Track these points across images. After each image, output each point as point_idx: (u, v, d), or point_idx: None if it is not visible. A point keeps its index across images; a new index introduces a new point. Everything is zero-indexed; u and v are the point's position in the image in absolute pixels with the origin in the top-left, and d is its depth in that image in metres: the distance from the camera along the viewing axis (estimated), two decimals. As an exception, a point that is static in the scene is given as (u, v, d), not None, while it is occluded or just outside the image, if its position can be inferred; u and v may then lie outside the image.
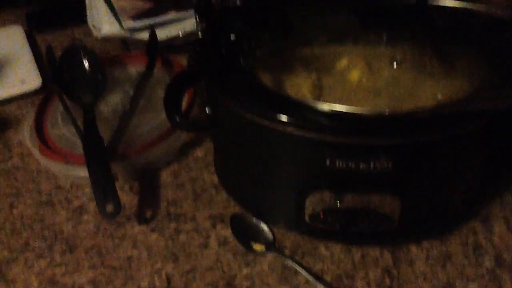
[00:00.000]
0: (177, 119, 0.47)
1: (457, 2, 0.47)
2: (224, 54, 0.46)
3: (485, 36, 0.46)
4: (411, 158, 0.40)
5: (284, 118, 0.39)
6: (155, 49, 0.66)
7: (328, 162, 0.40)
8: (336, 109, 0.38)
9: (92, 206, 0.52)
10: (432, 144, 0.40)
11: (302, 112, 0.39)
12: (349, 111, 0.38)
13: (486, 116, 0.39)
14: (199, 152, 0.59)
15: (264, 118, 0.40)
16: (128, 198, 0.54)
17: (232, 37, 0.46)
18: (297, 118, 0.38)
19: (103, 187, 0.49)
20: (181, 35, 0.71)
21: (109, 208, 0.48)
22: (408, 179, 0.42)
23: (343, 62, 0.47)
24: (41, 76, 0.69)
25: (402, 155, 0.40)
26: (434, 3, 0.47)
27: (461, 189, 0.48)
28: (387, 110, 0.37)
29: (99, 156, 0.51)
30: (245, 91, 0.42)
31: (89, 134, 0.53)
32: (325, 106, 0.38)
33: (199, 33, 0.47)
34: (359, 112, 0.38)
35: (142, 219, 0.51)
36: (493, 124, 0.40)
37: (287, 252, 0.48)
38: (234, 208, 0.52)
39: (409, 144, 0.39)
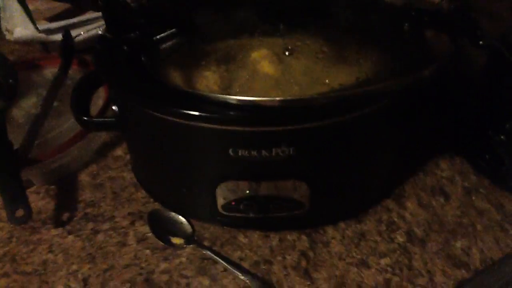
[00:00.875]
0: (85, 119, 0.47)
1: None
2: (126, 51, 0.45)
3: (381, 24, 0.48)
4: (310, 143, 0.41)
5: (183, 111, 0.39)
6: (69, 51, 0.65)
7: (231, 152, 0.41)
8: (232, 100, 0.39)
9: (4, 213, 0.50)
10: (328, 129, 0.41)
11: (201, 104, 0.39)
12: (245, 101, 0.38)
13: (378, 99, 0.40)
14: (119, 151, 0.59)
15: (165, 113, 0.40)
16: (43, 202, 0.52)
17: (134, 33, 0.46)
18: (196, 111, 0.39)
19: (12, 192, 0.47)
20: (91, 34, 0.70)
21: (19, 213, 0.46)
22: (311, 164, 0.43)
23: (246, 55, 0.48)
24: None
25: (301, 140, 0.41)
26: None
27: (370, 170, 0.49)
28: (280, 98, 0.38)
29: (8, 162, 0.50)
30: (146, 88, 0.42)
31: (-3, 139, 0.52)
32: (224, 97, 0.39)
33: (100, 30, 0.47)
34: (255, 102, 0.38)
35: (58, 222, 0.50)
36: (384, 107, 0.41)
37: (206, 243, 0.48)
38: (154, 205, 0.52)
39: (306, 129, 0.40)
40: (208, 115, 0.39)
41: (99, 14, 0.75)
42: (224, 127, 0.40)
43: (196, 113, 0.39)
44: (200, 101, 0.40)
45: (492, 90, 0.53)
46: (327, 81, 0.45)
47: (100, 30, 0.72)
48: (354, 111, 0.40)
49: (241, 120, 0.39)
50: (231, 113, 0.39)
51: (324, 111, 0.39)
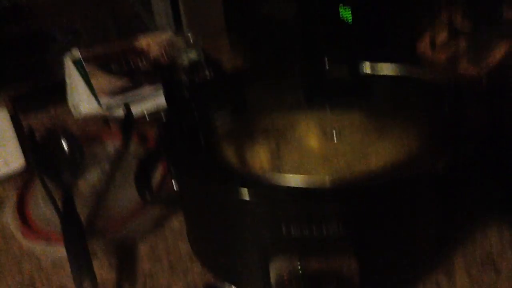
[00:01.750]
0: (147, 195, 0.51)
1: (393, 68, 0.52)
2: (186, 133, 0.50)
3: (422, 101, 0.51)
4: (360, 222, 0.43)
5: (240, 193, 0.42)
6: (130, 125, 0.70)
7: (283, 228, 0.43)
8: (283, 179, 0.41)
9: (72, 284, 0.54)
10: (379, 207, 0.43)
11: (254, 183, 0.42)
12: (296, 180, 0.41)
13: (426, 178, 0.42)
14: (175, 222, 0.62)
15: (221, 190, 0.43)
16: (106, 273, 0.56)
17: (193, 116, 0.51)
18: (250, 190, 0.42)
19: (80, 264, 0.51)
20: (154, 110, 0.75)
21: (86, 285, 0.50)
22: (361, 241, 0.45)
23: (295, 131, 0.51)
24: (24, 157, 0.73)
25: (351, 219, 0.43)
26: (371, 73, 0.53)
27: (417, 245, 0.50)
28: (331, 179, 0.41)
29: (77, 235, 0.54)
30: (204, 167, 0.46)
31: (67, 213, 0.56)
32: (276, 177, 0.42)
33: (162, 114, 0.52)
34: (308, 181, 0.41)
35: (120, 293, 0.54)
36: (436, 182, 0.43)
37: (259, 316, 0.50)
38: (208, 277, 0.54)
39: (356, 209, 0.42)
40: (261, 194, 0.42)
41: (155, 88, 0.81)
42: (276, 205, 0.43)
43: (249, 192, 0.42)
44: (253, 180, 0.43)
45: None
46: (373, 158, 0.47)
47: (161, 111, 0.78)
48: (402, 192, 0.42)
49: (292, 198, 0.42)
50: (283, 191, 0.42)
51: (373, 192, 0.41)
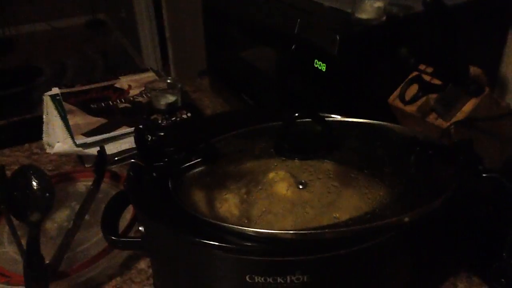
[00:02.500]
0: (113, 238, 0.50)
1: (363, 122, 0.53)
2: (155, 177, 0.50)
3: (390, 153, 0.52)
4: (323, 272, 0.43)
5: (203, 241, 0.42)
6: (103, 165, 0.70)
7: (248, 278, 0.43)
8: (250, 232, 0.42)
9: (30, 327, 0.53)
10: (340, 258, 0.43)
11: (220, 234, 0.42)
12: (262, 234, 0.42)
13: (386, 231, 0.43)
14: (142, 265, 0.61)
15: (185, 240, 0.43)
16: (68, 316, 0.54)
17: (163, 161, 0.51)
18: (215, 241, 0.42)
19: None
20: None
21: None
22: (324, 290, 0.45)
23: (266, 179, 0.51)
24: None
25: (314, 269, 0.43)
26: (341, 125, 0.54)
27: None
28: (294, 231, 0.41)
29: (39, 276, 0.53)
30: (170, 214, 0.46)
31: (30, 253, 0.55)
32: (241, 229, 0.42)
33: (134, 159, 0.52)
34: (271, 234, 0.42)
35: (80, 338, 0.52)
36: (394, 237, 0.44)
37: None
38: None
39: (319, 259, 0.42)
40: (226, 246, 0.42)
41: (131, 129, 0.81)
42: (241, 256, 0.43)
43: (214, 243, 0.42)
44: (220, 231, 0.43)
45: (502, 215, 0.55)
46: (337, 215, 0.48)
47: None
48: (364, 243, 0.42)
49: (258, 250, 0.42)
50: (248, 244, 0.42)
51: (336, 243, 0.42)
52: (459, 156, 0.49)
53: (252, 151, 0.54)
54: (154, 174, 0.50)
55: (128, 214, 0.63)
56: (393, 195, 0.47)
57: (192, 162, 0.51)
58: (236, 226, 0.43)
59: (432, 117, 0.67)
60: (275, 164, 0.52)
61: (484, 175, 0.48)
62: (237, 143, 0.57)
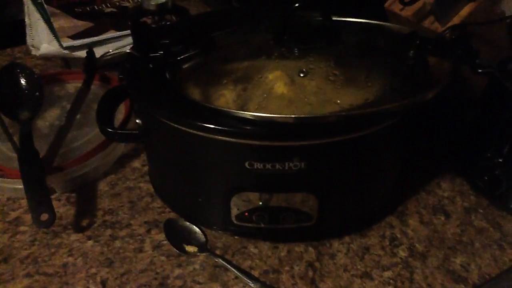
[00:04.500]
0: (110, 131, 0.50)
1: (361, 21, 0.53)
2: (152, 68, 0.49)
3: (388, 49, 0.52)
4: (321, 159, 0.44)
5: (203, 124, 0.42)
6: (92, 67, 0.68)
7: (247, 165, 0.44)
8: (249, 116, 0.42)
9: (28, 217, 0.53)
10: (338, 145, 0.44)
11: (220, 119, 0.42)
12: (261, 118, 0.42)
13: (386, 118, 0.43)
14: (136, 163, 0.62)
15: (185, 125, 0.43)
16: (64, 208, 0.55)
17: (160, 53, 0.50)
18: (215, 124, 0.42)
19: (37, 197, 0.50)
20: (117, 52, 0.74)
21: (44, 217, 0.49)
22: (321, 178, 0.46)
23: (262, 75, 0.51)
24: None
25: (312, 155, 0.44)
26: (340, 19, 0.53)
27: (375, 187, 0.52)
28: (294, 115, 0.42)
29: (34, 169, 0.53)
30: (169, 102, 0.45)
31: (24, 148, 0.55)
32: (241, 113, 0.42)
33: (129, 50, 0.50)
34: (271, 118, 0.42)
35: (78, 228, 0.53)
36: (391, 126, 0.45)
37: (218, 252, 0.51)
38: (169, 214, 0.55)
39: (317, 145, 0.43)
40: (226, 129, 0.42)
41: (119, 33, 0.79)
42: (241, 141, 0.43)
43: (215, 126, 0.42)
44: (219, 116, 0.43)
45: (491, 114, 0.56)
46: (338, 101, 0.48)
47: (124, 49, 0.76)
48: (362, 129, 0.43)
49: (257, 134, 0.42)
50: (248, 128, 0.42)
51: (334, 128, 0.42)
52: (457, 50, 0.49)
53: (251, 44, 0.54)
54: (151, 65, 0.49)
55: (120, 114, 0.62)
56: (392, 85, 0.47)
57: (189, 54, 0.50)
58: (236, 111, 0.42)
59: (427, 22, 0.66)
60: (275, 56, 0.51)
61: (479, 70, 0.48)
62: (236, 37, 0.55)
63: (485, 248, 0.52)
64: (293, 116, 0.42)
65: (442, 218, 0.55)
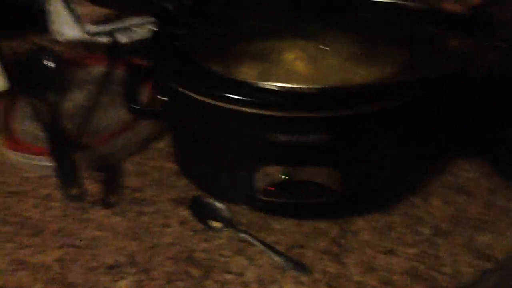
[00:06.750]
0: (136, 108, 0.51)
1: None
2: (175, 46, 0.50)
3: (403, 24, 0.52)
4: (344, 132, 0.45)
5: (228, 95, 0.43)
6: (115, 52, 0.69)
7: (269, 137, 0.44)
8: (274, 87, 0.42)
9: (59, 194, 0.55)
10: (362, 118, 0.44)
11: (244, 90, 0.43)
12: (285, 88, 0.42)
13: (410, 90, 0.44)
14: (161, 144, 0.63)
15: (210, 97, 0.44)
16: (92, 186, 0.56)
17: (183, 31, 0.51)
18: (240, 95, 0.43)
19: (66, 173, 0.51)
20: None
21: (74, 191, 0.50)
22: (345, 152, 0.47)
23: (283, 53, 0.51)
24: (6, 78, 0.71)
25: (336, 128, 0.44)
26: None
27: (399, 164, 0.53)
28: (318, 85, 0.42)
29: (63, 146, 0.54)
30: (194, 75, 0.46)
31: (52, 127, 0.56)
32: (265, 84, 0.43)
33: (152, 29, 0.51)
34: (295, 89, 0.42)
35: (106, 204, 0.54)
36: (415, 101, 0.45)
37: (243, 228, 0.51)
38: (194, 192, 0.55)
39: (341, 117, 0.43)
40: (250, 99, 0.43)
41: (141, 20, 0.80)
42: (265, 112, 0.43)
43: (240, 97, 0.43)
44: (242, 87, 0.43)
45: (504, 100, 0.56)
46: (358, 78, 0.48)
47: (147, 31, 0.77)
48: (386, 101, 0.43)
49: (280, 105, 0.43)
50: (271, 98, 0.42)
51: (358, 99, 0.43)
52: (478, 27, 0.49)
53: (272, 22, 0.54)
54: (175, 43, 0.50)
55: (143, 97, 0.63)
56: (413, 61, 0.47)
57: (212, 32, 0.51)
58: (260, 82, 0.43)
59: (448, 1, 0.66)
60: (296, 33, 0.52)
61: (498, 44, 0.48)
62: (256, 15, 0.56)
63: (509, 227, 0.52)
64: (317, 86, 0.42)
65: (465, 198, 0.55)
